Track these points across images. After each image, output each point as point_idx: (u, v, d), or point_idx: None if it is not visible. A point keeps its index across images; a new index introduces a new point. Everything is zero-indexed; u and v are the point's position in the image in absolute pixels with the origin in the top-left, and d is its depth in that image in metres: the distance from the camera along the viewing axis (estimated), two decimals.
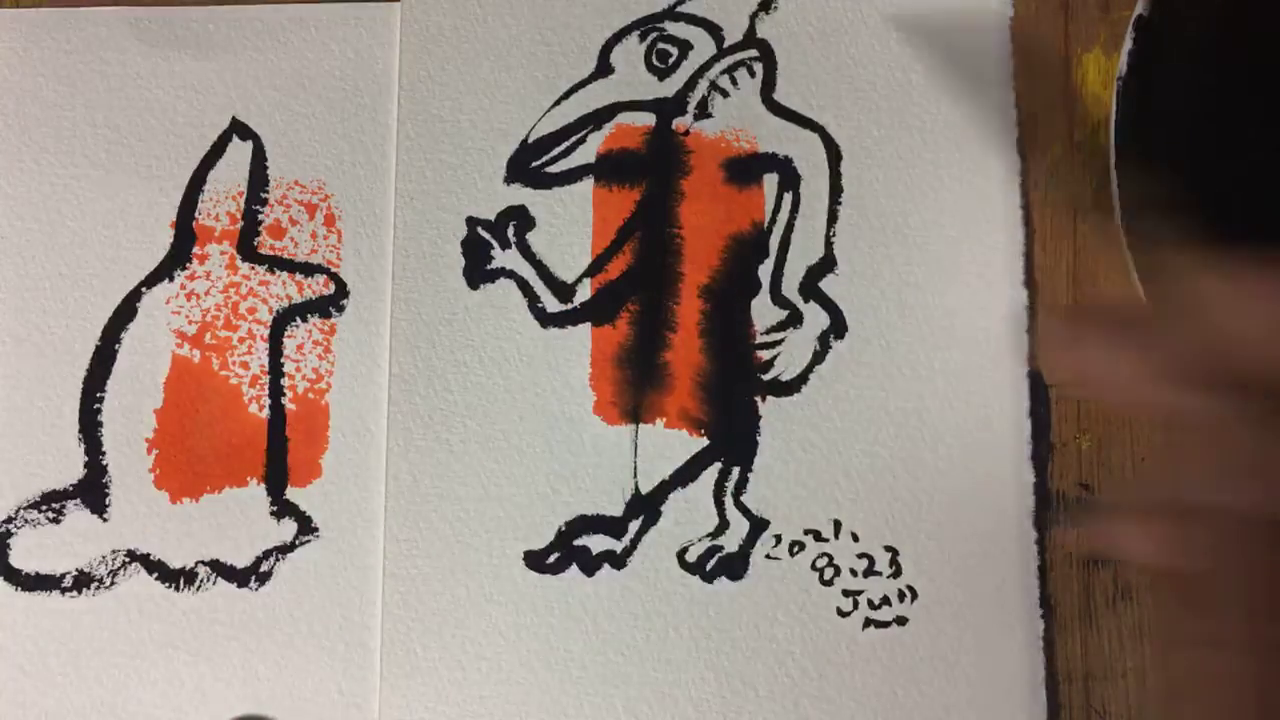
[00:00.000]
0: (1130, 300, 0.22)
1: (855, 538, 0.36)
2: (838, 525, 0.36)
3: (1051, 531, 0.36)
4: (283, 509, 0.36)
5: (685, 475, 0.36)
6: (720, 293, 0.37)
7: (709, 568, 0.36)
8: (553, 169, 0.38)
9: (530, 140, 0.38)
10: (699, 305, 0.37)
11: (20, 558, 0.36)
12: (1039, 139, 0.38)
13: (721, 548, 0.36)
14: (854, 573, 0.36)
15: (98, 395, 0.37)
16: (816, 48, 0.39)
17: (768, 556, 0.36)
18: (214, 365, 0.37)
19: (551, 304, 0.37)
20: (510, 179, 0.38)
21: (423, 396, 0.37)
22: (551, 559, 0.36)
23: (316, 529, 0.36)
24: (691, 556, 0.36)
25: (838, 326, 0.37)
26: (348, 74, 0.39)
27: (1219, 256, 0.22)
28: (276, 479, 0.37)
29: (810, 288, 0.37)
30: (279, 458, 0.37)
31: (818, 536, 0.36)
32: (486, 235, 0.38)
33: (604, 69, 0.38)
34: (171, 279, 0.38)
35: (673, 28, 0.39)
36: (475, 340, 0.37)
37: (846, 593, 0.36)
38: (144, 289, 0.38)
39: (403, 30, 0.39)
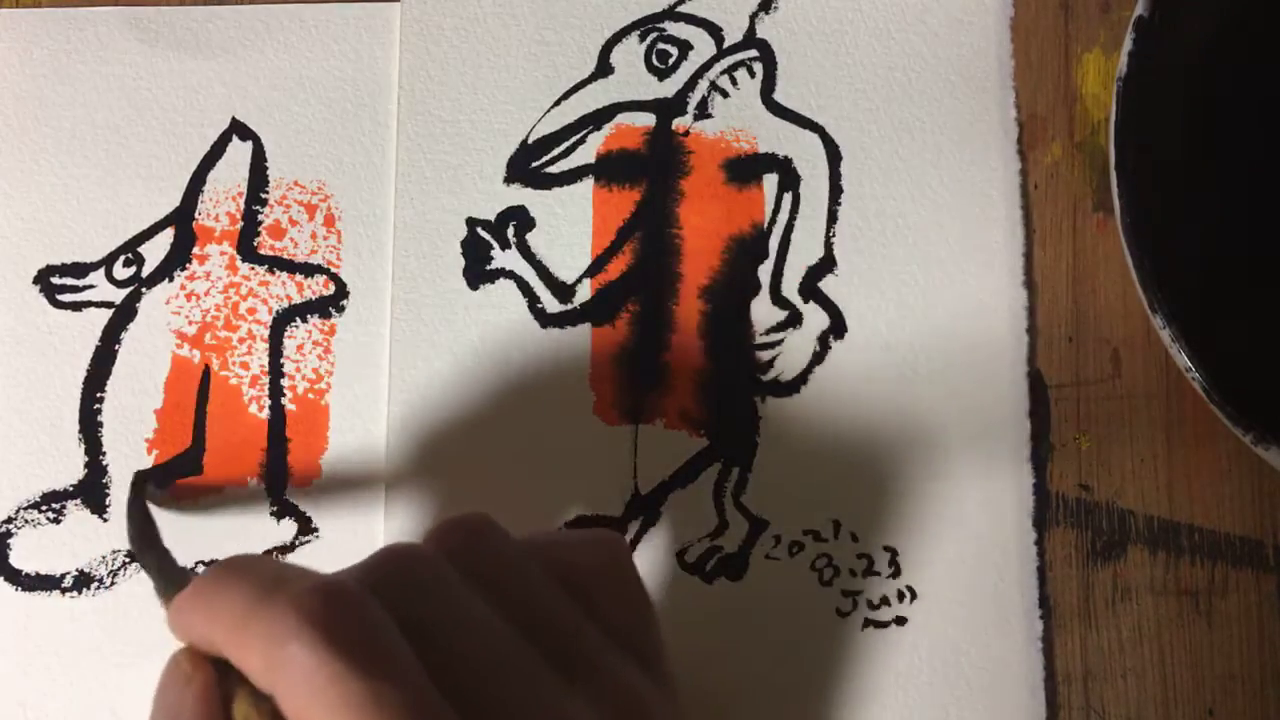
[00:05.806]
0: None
1: (855, 538, 0.36)
2: (837, 525, 0.36)
3: (1051, 532, 0.36)
4: (282, 509, 0.36)
5: (685, 476, 0.36)
6: (720, 293, 0.37)
7: (708, 568, 0.36)
8: (553, 169, 0.38)
9: (530, 140, 0.38)
10: (699, 306, 0.37)
11: (20, 558, 0.36)
12: (1039, 139, 0.38)
13: (721, 548, 0.36)
14: (853, 573, 0.36)
15: (98, 395, 0.37)
16: (816, 48, 0.38)
17: (767, 557, 0.36)
18: (214, 366, 0.37)
19: (551, 304, 0.37)
20: (510, 179, 0.38)
21: (423, 397, 0.37)
22: None
23: (316, 529, 0.36)
24: (691, 557, 0.36)
25: (838, 327, 0.37)
26: (348, 74, 0.39)
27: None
28: (276, 479, 0.36)
29: (810, 288, 0.37)
30: (279, 458, 0.37)
31: (817, 537, 0.36)
32: (486, 235, 0.38)
33: (604, 69, 0.38)
34: (171, 279, 0.38)
35: (673, 28, 0.39)
36: (475, 340, 0.37)
37: (846, 593, 0.36)
38: (144, 289, 0.38)
39: (403, 30, 0.39)
